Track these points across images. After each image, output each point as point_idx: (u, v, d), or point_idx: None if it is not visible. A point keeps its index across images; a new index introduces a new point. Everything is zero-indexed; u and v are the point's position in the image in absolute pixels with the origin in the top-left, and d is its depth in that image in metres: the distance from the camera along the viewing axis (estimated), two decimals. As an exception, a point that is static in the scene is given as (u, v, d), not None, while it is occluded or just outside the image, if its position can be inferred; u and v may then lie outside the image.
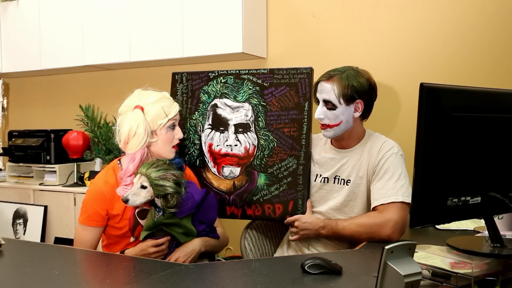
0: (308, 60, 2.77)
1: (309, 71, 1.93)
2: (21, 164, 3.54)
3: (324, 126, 1.77)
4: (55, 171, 3.38)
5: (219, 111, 1.99)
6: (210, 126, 2.00)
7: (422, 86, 1.09)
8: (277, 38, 3.03)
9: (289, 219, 1.82)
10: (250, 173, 1.94)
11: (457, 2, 2.55)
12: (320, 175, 1.86)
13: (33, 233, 3.32)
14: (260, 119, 1.95)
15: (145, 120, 1.70)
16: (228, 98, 1.99)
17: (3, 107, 4.01)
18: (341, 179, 1.81)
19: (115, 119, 1.93)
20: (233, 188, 1.95)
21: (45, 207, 3.31)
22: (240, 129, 1.96)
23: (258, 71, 1.98)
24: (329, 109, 1.74)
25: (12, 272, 1.37)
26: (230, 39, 2.81)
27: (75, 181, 3.34)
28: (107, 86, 3.67)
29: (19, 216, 3.40)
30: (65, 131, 3.40)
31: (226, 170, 1.96)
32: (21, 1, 3.64)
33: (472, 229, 1.78)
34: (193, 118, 2.03)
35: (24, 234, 3.38)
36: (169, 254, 1.66)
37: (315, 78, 1.87)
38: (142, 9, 3.13)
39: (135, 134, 1.69)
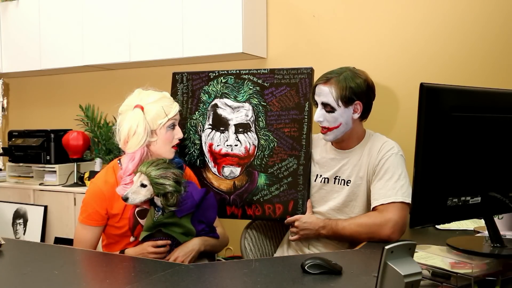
0: (308, 60, 2.77)
1: (310, 71, 1.93)
2: (21, 164, 3.55)
3: (324, 130, 1.77)
4: (55, 171, 3.38)
5: (219, 111, 1.99)
6: (210, 126, 2.00)
7: (422, 86, 1.09)
8: (277, 38, 3.03)
9: (289, 219, 1.82)
10: (250, 173, 1.94)
11: (457, 2, 2.55)
12: (321, 176, 1.86)
13: (33, 233, 3.32)
14: (260, 119, 1.95)
15: (145, 119, 1.70)
16: (228, 98, 1.99)
17: (3, 107, 4.01)
18: (342, 180, 1.81)
19: (115, 119, 1.93)
20: (233, 188, 1.95)
21: (45, 207, 3.31)
22: (241, 129, 1.96)
23: (258, 71, 1.98)
24: (327, 111, 1.74)
25: (12, 272, 1.37)
26: (230, 39, 2.81)
27: (75, 181, 3.34)
28: (107, 86, 3.67)
29: (19, 216, 3.40)
30: (65, 131, 3.40)
31: (227, 170, 1.96)
32: (21, 1, 3.64)
33: (472, 229, 1.78)
34: (194, 118, 2.03)
35: (24, 234, 3.38)
36: (169, 253, 1.66)
37: (315, 78, 1.87)
38: (142, 9, 3.13)
39: (135, 133, 1.70)
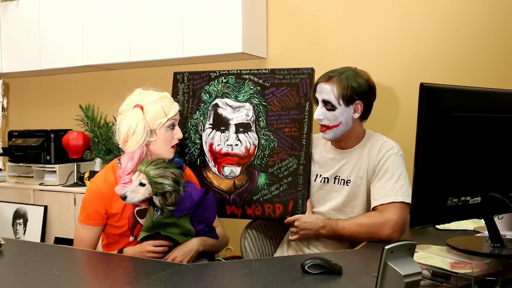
0: (308, 60, 2.77)
1: (310, 71, 1.93)
2: (21, 164, 3.55)
3: (324, 128, 1.77)
4: (55, 171, 3.38)
5: (220, 110, 1.99)
6: (211, 126, 2.00)
7: (422, 86, 1.09)
8: (277, 38, 3.03)
9: (289, 218, 1.82)
10: (250, 172, 1.94)
11: (457, 2, 2.55)
12: (320, 175, 1.86)
13: (33, 233, 3.32)
14: (261, 119, 1.95)
15: (144, 119, 1.71)
16: (229, 98, 1.99)
17: (3, 107, 4.01)
18: (341, 179, 1.81)
19: (115, 119, 1.93)
20: (233, 188, 1.95)
21: (45, 207, 3.31)
22: (241, 129, 1.96)
23: (259, 71, 1.98)
24: (328, 110, 1.74)
25: (12, 272, 1.37)
26: (230, 39, 2.81)
27: (75, 181, 3.34)
28: (107, 86, 3.67)
29: (19, 216, 3.40)
30: (65, 131, 3.40)
31: (227, 170, 1.96)
32: (21, 1, 3.64)
33: (472, 229, 1.78)
34: (194, 117, 2.03)
35: (24, 234, 3.38)
36: (167, 253, 1.66)
37: (315, 78, 1.87)
38: (142, 9, 3.13)
39: (134, 132, 1.70)
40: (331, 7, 2.86)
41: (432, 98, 1.10)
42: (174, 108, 1.77)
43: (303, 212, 1.83)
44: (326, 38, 2.88)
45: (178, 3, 2.98)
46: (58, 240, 3.22)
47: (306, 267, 1.28)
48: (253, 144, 1.94)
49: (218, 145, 1.98)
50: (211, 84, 2.03)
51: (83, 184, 3.26)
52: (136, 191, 1.60)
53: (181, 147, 1.99)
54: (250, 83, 1.98)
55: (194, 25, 2.94)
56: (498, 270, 1.15)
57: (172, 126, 1.77)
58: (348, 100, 1.72)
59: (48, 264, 1.44)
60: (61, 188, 3.30)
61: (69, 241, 2.94)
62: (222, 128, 1.98)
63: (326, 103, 1.74)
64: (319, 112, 1.76)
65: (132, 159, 1.71)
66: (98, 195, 1.71)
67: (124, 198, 1.59)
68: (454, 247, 1.24)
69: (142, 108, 1.72)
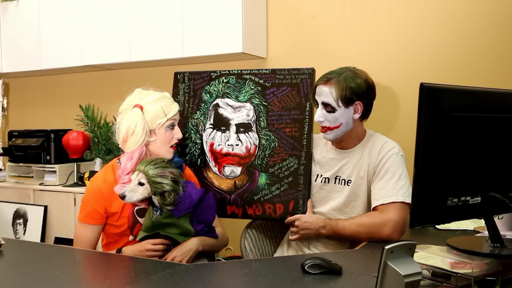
0: (308, 60, 2.77)
1: (311, 72, 1.93)
2: (21, 164, 3.55)
3: (325, 129, 1.77)
4: (55, 171, 3.38)
5: (220, 110, 1.99)
6: (211, 126, 2.00)
7: (422, 86, 1.09)
8: (277, 38, 3.03)
9: (290, 218, 1.82)
10: (251, 172, 1.94)
11: (457, 2, 2.55)
12: (321, 175, 1.86)
13: (33, 233, 3.32)
14: (261, 119, 1.95)
15: (143, 119, 1.71)
16: (229, 98, 1.99)
17: (3, 107, 4.01)
18: (342, 180, 1.81)
19: (115, 119, 1.93)
20: (234, 188, 1.95)
21: (45, 207, 3.31)
22: (242, 129, 1.96)
23: (260, 71, 1.98)
24: (328, 112, 1.74)
25: (12, 272, 1.37)
26: (230, 39, 2.81)
27: (75, 181, 3.34)
28: (107, 86, 3.67)
29: (19, 216, 3.40)
30: (65, 131, 3.40)
31: (227, 170, 1.96)
32: (21, 1, 3.64)
33: (472, 229, 1.78)
34: (195, 117, 2.03)
35: (24, 234, 3.38)
36: (167, 253, 1.66)
37: (316, 78, 1.87)
38: (142, 9, 3.13)
39: (133, 132, 1.70)
40: (331, 7, 2.86)
41: (432, 98, 1.10)
42: (173, 108, 1.77)
43: (304, 212, 1.83)
44: (326, 38, 2.88)
45: (178, 3, 2.98)
46: (58, 240, 3.22)
47: (306, 267, 1.28)
48: (254, 144, 1.95)
49: (218, 145, 1.98)
50: (212, 84, 2.03)
51: (83, 184, 3.26)
52: (135, 190, 1.60)
53: (181, 147, 1.99)
54: (251, 83, 1.98)
55: (194, 25, 2.94)
56: (498, 270, 1.15)
57: (172, 126, 1.77)
58: (347, 101, 1.72)
59: (48, 264, 1.44)
60: (61, 188, 3.30)
61: (69, 241, 2.94)
62: (222, 128, 1.98)
63: (325, 105, 1.74)
64: (319, 114, 1.76)
65: (132, 159, 1.71)
66: (98, 194, 1.71)
67: (123, 197, 1.59)
68: (454, 247, 1.24)
69: (141, 108, 1.72)
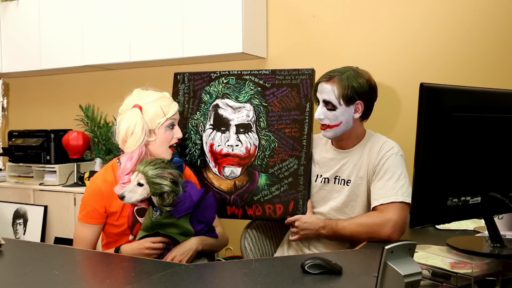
0: (308, 61, 2.77)
1: (311, 72, 1.93)
2: (21, 164, 3.55)
3: (324, 127, 1.77)
4: (55, 171, 3.38)
5: (220, 111, 1.99)
6: (211, 126, 2.00)
7: (422, 86, 1.09)
8: (277, 38, 3.03)
9: (290, 219, 1.82)
10: (251, 173, 1.94)
11: (457, 2, 2.55)
12: (321, 176, 1.86)
13: (33, 233, 3.32)
14: (261, 119, 1.95)
15: (142, 119, 1.71)
16: (229, 98, 1.99)
17: (3, 107, 4.01)
18: (342, 180, 1.81)
19: (115, 119, 1.93)
20: (233, 188, 1.95)
21: (45, 207, 3.31)
22: (242, 130, 1.96)
23: (259, 71, 1.98)
24: (329, 109, 1.74)
25: (12, 272, 1.37)
26: (230, 39, 2.81)
27: (75, 181, 3.34)
28: (107, 86, 3.67)
29: (19, 216, 3.40)
30: (65, 131, 3.40)
31: (227, 170, 1.96)
32: (21, 1, 3.64)
33: (472, 229, 1.78)
34: (195, 118, 2.03)
35: (24, 234, 3.38)
36: (166, 253, 1.66)
37: (316, 78, 1.87)
38: (142, 9, 3.13)
39: (133, 132, 1.70)
40: (331, 7, 2.86)
41: (432, 98, 1.10)
42: (173, 107, 1.77)
43: (304, 213, 1.83)
44: (326, 38, 2.88)
45: (178, 3, 2.98)
46: (58, 240, 3.22)
47: (306, 267, 1.28)
48: (254, 144, 1.95)
49: (218, 145, 1.98)
50: (212, 84, 2.03)
51: (83, 184, 3.26)
52: (134, 191, 1.60)
53: (181, 148, 1.99)
54: (251, 84, 1.98)
55: (194, 25, 2.94)
56: (498, 270, 1.15)
57: (172, 126, 1.77)
58: (348, 100, 1.72)
59: (48, 264, 1.44)
60: (61, 188, 3.30)
61: (69, 241, 2.93)
62: (222, 128, 1.98)
63: (326, 103, 1.74)
64: (320, 111, 1.76)
65: (131, 159, 1.71)
66: (98, 194, 1.72)
67: (122, 197, 1.60)
68: (454, 247, 1.24)
69: (140, 108, 1.72)
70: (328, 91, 1.73)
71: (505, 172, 1.27)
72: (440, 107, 1.12)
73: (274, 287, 1.20)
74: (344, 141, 1.82)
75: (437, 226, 1.83)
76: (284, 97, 1.94)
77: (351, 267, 1.34)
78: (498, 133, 1.24)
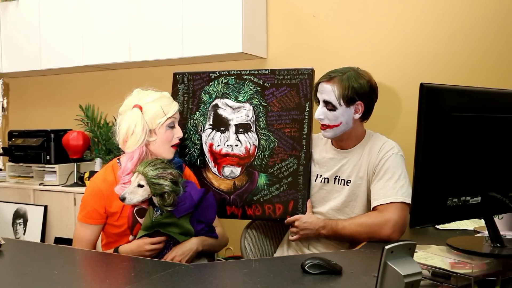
0: (308, 60, 2.77)
1: (310, 72, 1.93)
2: (21, 164, 3.55)
3: (324, 127, 1.77)
4: (55, 171, 3.38)
5: (220, 111, 1.99)
6: (211, 126, 2.00)
7: (422, 86, 1.09)
8: (277, 38, 3.03)
9: (289, 219, 1.82)
10: (250, 173, 1.94)
11: (457, 2, 2.55)
12: (321, 176, 1.86)
13: (33, 233, 3.32)
14: (261, 119, 1.95)
15: (143, 119, 1.71)
16: (229, 98, 1.99)
17: (3, 107, 4.01)
18: (342, 180, 1.81)
19: (115, 119, 1.94)
20: (233, 188, 1.95)
21: (45, 207, 3.31)
22: (241, 129, 1.96)
23: (259, 71, 1.98)
24: (329, 110, 1.74)
25: (12, 272, 1.37)
26: (230, 39, 2.81)
27: (75, 181, 3.34)
28: (107, 86, 3.67)
29: (19, 216, 3.40)
30: (65, 131, 3.40)
31: (227, 170, 1.96)
32: (21, 1, 3.65)
33: (472, 229, 1.78)
34: (194, 118, 2.03)
35: (24, 234, 3.38)
36: (167, 251, 1.66)
37: (315, 78, 1.87)
38: (142, 9, 3.13)
39: (133, 132, 1.70)
40: (331, 7, 2.86)
41: (432, 98, 1.10)
42: (173, 107, 1.77)
43: (304, 213, 1.83)
44: (326, 38, 2.88)
45: (178, 3, 2.98)
46: (58, 240, 3.22)
47: (306, 267, 1.28)
48: (253, 144, 1.94)
49: (218, 145, 1.98)
50: (211, 84, 2.03)
51: (83, 184, 3.26)
52: (134, 192, 1.60)
53: (181, 148, 1.99)
54: (250, 84, 1.98)
55: (194, 25, 2.94)
56: (498, 270, 1.15)
57: (172, 125, 1.77)
58: (348, 100, 1.72)
59: (48, 264, 1.44)
60: (61, 188, 3.30)
61: (69, 241, 2.93)
62: (222, 128, 1.98)
63: (327, 103, 1.74)
64: (320, 111, 1.76)
65: (132, 159, 1.71)
66: (98, 194, 1.72)
67: (123, 199, 1.60)
68: (454, 247, 1.24)
69: (141, 108, 1.72)
70: (328, 91, 1.73)
71: (505, 172, 1.27)
72: (440, 107, 1.12)
73: (274, 287, 1.20)
74: (344, 141, 1.82)
75: (437, 226, 1.83)
76: (284, 97, 1.94)
77: (351, 267, 1.34)
78: (498, 133, 1.24)
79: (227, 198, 1.95)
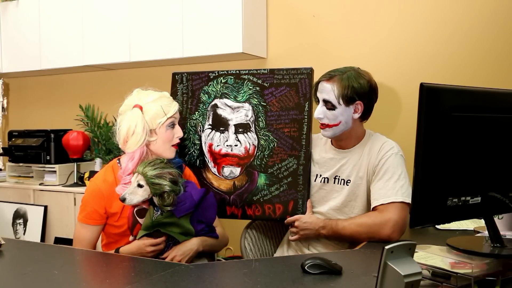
0: (308, 60, 2.77)
1: (309, 71, 1.93)
2: (21, 164, 3.55)
3: (323, 126, 1.77)
4: (55, 171, 3.38)
5: (219, 111, 1.99)
6: (210, 126, 2.00)
7: (422, 86, 1.09)
8: (277, 38, 3.03)
9: (289, 219, 1.82)
10: (250, 173, 1.94)
11: (457, 2, 2.55)
12: (320, 175, 1.86)
13: (33, 233, 3.32)
14: (260, 119, 1.95)
15: (143, 119, 1.71)
16: (228, 98, 1.99)
17: (3, 107, 4.01)
18: (341, 179, 1.81)
19: (115, 119, 1.94)
20: (233, 188, 1.95)
21: (45, 207, 3.31)
22: (240, 129, 1.96)
23: (258, 71, 1.98)
24: (328, 109, 1.74)
25: (12, 272, 1.37)
26: (230, 39, 2.81)
27: (75, 181, 3.34)
28: (107, 86, 3.67)
29: (19, 216, 3.40)
30: (65, 131, 3.40)
31: (226, 170, 1.96)
32: (21, 1, 3.65)
33: (472, 229, 1.78)
34: (193, 118, 2.03)
35: (24, 234, 3.38)
36: (167, 250, 1.65)
37: (315, 78, 1.87)
38: (142, 9, 3.13)
39: (134, 133, 1.70)
40: (331, 7, 2.86)
41: (432, 98, 1.10)
42: (173, 107, 1.77)
43: (303, 212, 1.83)
44: (326, 38, 2.88)
45: (178, 3, 2.98)
46: (58, 240, 3.22)
47: (306, 267, 1.28)
48: (253, 144, 1.94)
49: (217, 145, 1.98)
50: (210, 84, 2.03)
51: (83, 184, 3.26)
52: (134, 192, 1.60)
53: (180, 148, 1.99)
54: (249, 83, 1.98)
55: (194, 25, 2.94)
56: (498, 270, 1.15)
57: (172, 125, 1.77)
58: (348, 100, 1.72)
59: (48, 264, 1.44)
60: (61, 188, 3.30)
61: (69, 241, 2.93)
62: (221, 128, 1.98)
63: (326, 102, 1.74)
64: (319, 110, 1.76)
65: (133, 159, 1.71)
66: (98, 194, 1.72)
67: (123, 200, 1.60)
68: (454, 247, 1.24)
69: (141, 108, 1.72)
70: (328, 91, 1.73)
71: (505, 172, 1.27)
72: (440, 107, 1.12)
73: (274, 287, 1.20)
74: (344, 141, 1.82)
75: (437, 226, 1.83)
76: (283, 97, 1.94)
77: (351, 267, 1.33)
78: (498, 133, 1.24)
79: (227, 198, 1.95)
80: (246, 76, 1.99)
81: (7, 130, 3.88)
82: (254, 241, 1.96)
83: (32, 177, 3.53)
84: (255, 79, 1.97)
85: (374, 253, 1.49)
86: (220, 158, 1.97)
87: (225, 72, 2.02)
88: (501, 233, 1.28)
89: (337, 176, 1.82)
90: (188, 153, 2.02)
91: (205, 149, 2.00)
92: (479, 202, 1.22)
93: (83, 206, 1.74)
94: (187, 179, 1.78)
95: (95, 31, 3.31)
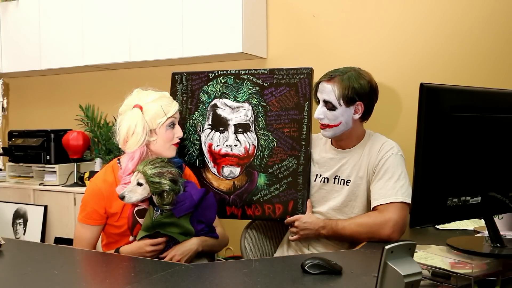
0: (308, 60, 2.77)
1: (309, 71, 1.93)
2: (21, 164, 3.55)
3: (323, 126, 1.77)
4: (55, 171, 3.38)
5: (219, 111, 1.99)
6: (210, 126, 2.00)
7: (422, 86, 1.09)
8: (277, 38, 3.03)
9: (289, 219, 1.82)
10: (250, 173, 1.94)
11: (457, 2, 2.55)
12: (320, 175, 1.86)
13: (33, 233, 3.32)
14: (260, 119, 1.95)
15: (143, 119, 1.71)
16: (228, 98, 1.99)
17: (3, 107, 4.01)
18: (341, 179, 1.81)
19: (115, 119, 1.94)
20: (233, 188, 1.95)
21: (45, 207, 3.31)
22: (240, 129, 1.96)
23: (258, 71, 1.98)
24: (329, 109, 1.74)
25: (12, 272, 1.37)
26: (230, 39, 2.81)
27: (75, 181, 3.34)
28: (107, 86, 3.67)
29: (19, 216, 3.40)
30: (65, 131, 3.40)
31: (226, 170, 1.96)
32: (21, 1, 3.65)
33: (472, 229, 1.78)
34: (193, 118, 2.03)
35: (24, 234, 3.38)
36: (167, 249, 1.65)
37: (315, 78, 1.87)
38: (142, 9, 3.13)
39: (134, 132, 1.70)
40: (331, 7, 2.86)
41: (432, 98, 1.10)
42: (173, 107, 1.77)
43: (303, 212, 1.83)
44: (326, 38, 2.88)
45: (178, 3, 2.98)
46: (58, 240, 3.23)
47: (306, 267, 1.28)
48: (253, 144, 1.94)
49: (217, 145, 1.98)
50: (210, 84, 2.02)
51: (83, 184, 3.26)
52: (134, 191, 1.60)
53: (180, 148, 1.99)
54: (249, 83, 1.98)
55: (194, 25, 2.94)
56: (498, 270, 1.15)
57: (172, 125, 1.77)
58: (348, 100, 1.72)
59: (48, 264, 1.44)
60: (61, 188, 3.30)
61: (69, 241, 2.94)
62: (221, 128, 1.98)
63: (326, 102, 1.74)
64: (320, 111, 1.76)
65: (133, 159, 1.71)
66: (98, 194, 1.72)
67: (122, 198, 1.60)
68: (454, 247, 1.24)
69: (141, 108, 1.72)
70: (328, 91, 1.73)
71: (505, 172, 1.27)
72: (440, 107, 1.12)
73: (274, 287, 1.20)
74: (344, 141, 1.82)
75: (437, 226, 1.83)
76: (283, 97, 1.94)
77: (351, 267, 1.33)
78: (498, 133, 1.24)
79: (227, 198, 1.95)
80: (245, 76, 1.98)
81: (7, 130, 3.88)
82: (254, 241, 1.96)
83: (32, 177, 3.53)
84: (254, 79, 1.97)
85: (374, 253, 1.49)
86: (219, 158, 1.97)
87: (224, 72, 2.02)
88: (501, 233, 1.28)
89: (337, 176, 1.82)
90: (187, 153, 2.02)
91: (205, 149, 2.00)
92: (479, 202, 1.22)
93: (83, 206, 1.75)
94: (187, 179, 1.78)
95: (95, 31, 3.31)
